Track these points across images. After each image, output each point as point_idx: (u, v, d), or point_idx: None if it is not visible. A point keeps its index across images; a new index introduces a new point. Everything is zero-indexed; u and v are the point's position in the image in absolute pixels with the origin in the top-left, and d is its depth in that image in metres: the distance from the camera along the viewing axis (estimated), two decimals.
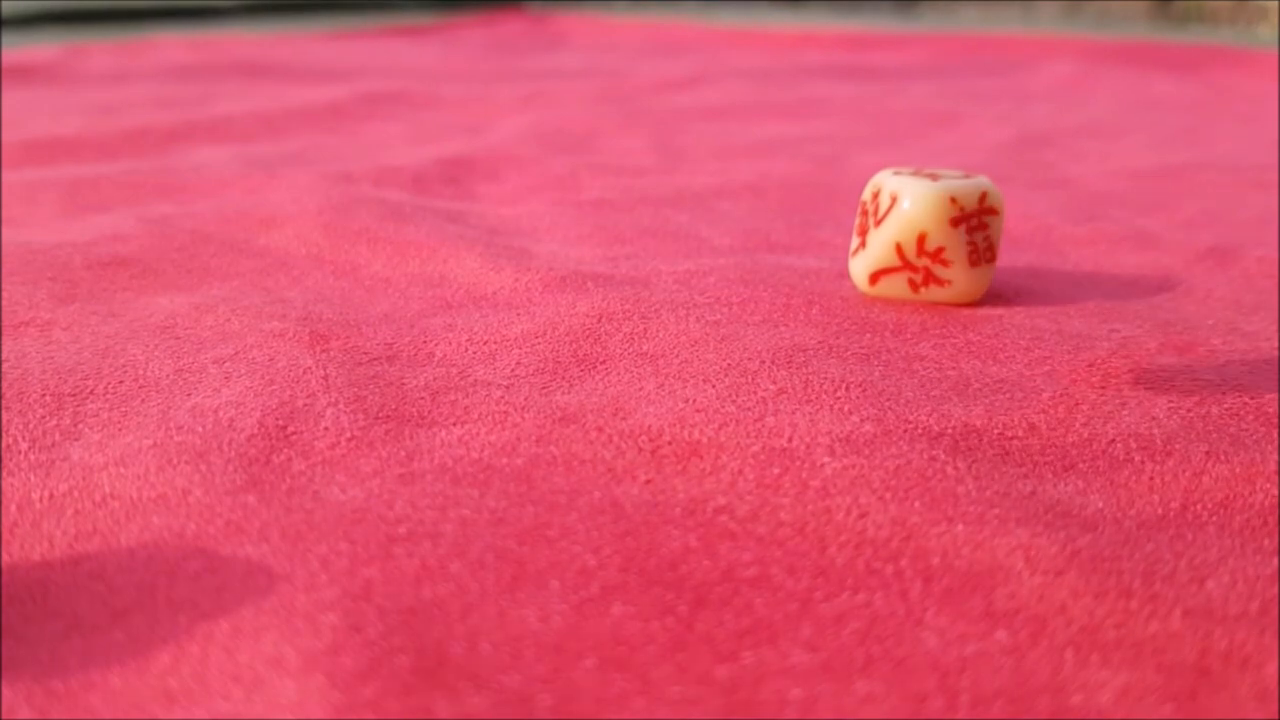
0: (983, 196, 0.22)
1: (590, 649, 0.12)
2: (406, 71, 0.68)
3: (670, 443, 0.17)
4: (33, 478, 0.16)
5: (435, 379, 0.19)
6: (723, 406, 0.18)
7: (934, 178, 0.23)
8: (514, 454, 0.16)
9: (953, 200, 0.22)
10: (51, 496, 0.15)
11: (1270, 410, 0.18)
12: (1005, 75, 0.73)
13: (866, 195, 0.24)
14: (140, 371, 0.20)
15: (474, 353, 0.20)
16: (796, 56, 0.82)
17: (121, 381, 0.19)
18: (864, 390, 0.18)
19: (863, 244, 0.23)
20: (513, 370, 0.19)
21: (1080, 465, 0.16)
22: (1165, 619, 0.12)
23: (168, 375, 0.19)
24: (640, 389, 0.18)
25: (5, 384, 0.19)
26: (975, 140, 0.47)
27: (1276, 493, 0.15)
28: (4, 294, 0.23)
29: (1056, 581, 0.13)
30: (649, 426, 0.17)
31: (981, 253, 0.23)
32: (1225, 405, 0.18)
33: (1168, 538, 0.14)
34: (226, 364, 0.20)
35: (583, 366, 0.20)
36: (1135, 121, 0.52)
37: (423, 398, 0.18)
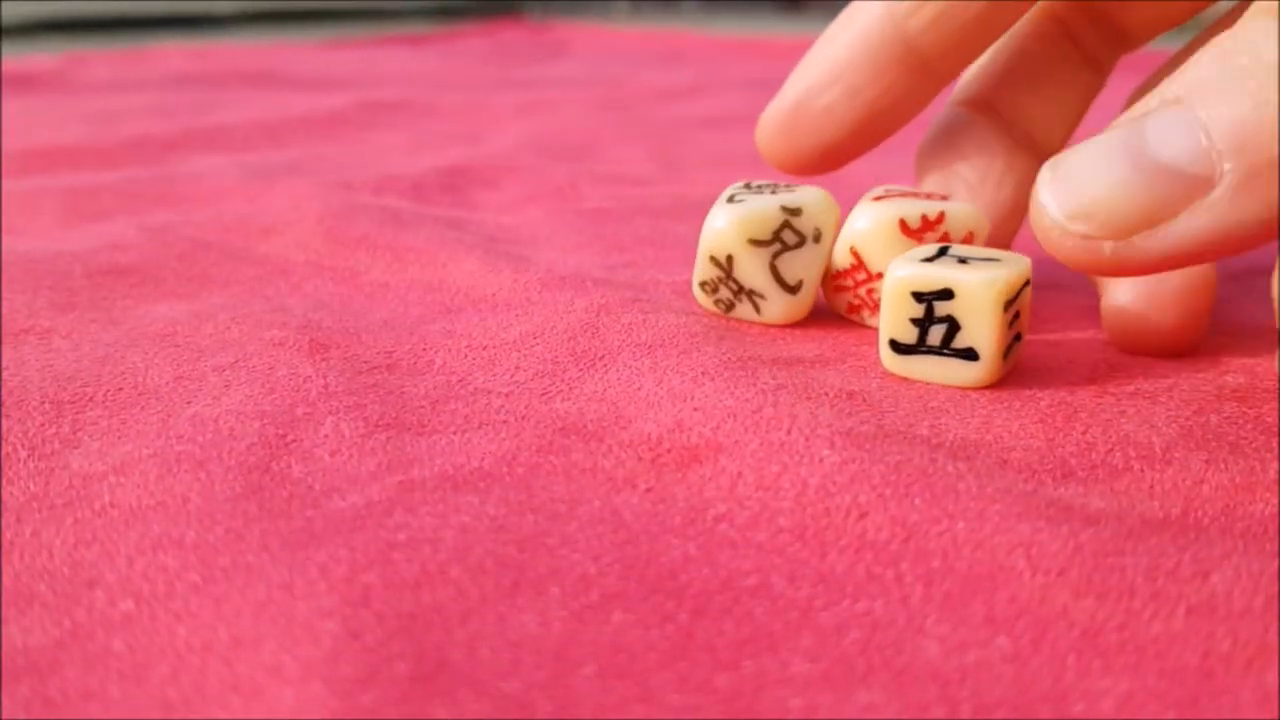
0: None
1: (591, 656, 0.12)
2: (406, 80, 0.68)
3: (670, 450, 0.17)
4: (32, 486, 0.16)
5: (435, 387, 0.19)
6: (721, 400, 0.17)
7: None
8: (514, 463, 0.16)
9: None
10: (51, 505, 0.15)
11: (1270, 419, 0.18)
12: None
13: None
14: (140, 379, 0.20)
15: (473, 359, 0.20)
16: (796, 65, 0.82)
17: (121, 389, 0.19)
18: (864, 398, 0.18)
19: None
20: (512, 376, 0.19)
21: (1080, 473, 0.16)
22: (1168, 619, 0.12)
23: (167, 383, 0.19)
24: (639, 388, 0.18)
25: (5, 391, 0.19)
26: None
27: (1277, 501, 0.15)
28: (4, 302, 0.23)
29: (1058, 581, 0.13)
30: (648, 434, 0.17)
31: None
32: (1224, 413, 0.18)
33: (1171, 534, 0.14)
34: (226, 372, 0.20)
35: (581, 366, 0.20)
36: None
37: (422, 406, 0.18)
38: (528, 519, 0.15)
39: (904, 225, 0.20)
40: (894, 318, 0.19)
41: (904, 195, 0.21)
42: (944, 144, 0.24)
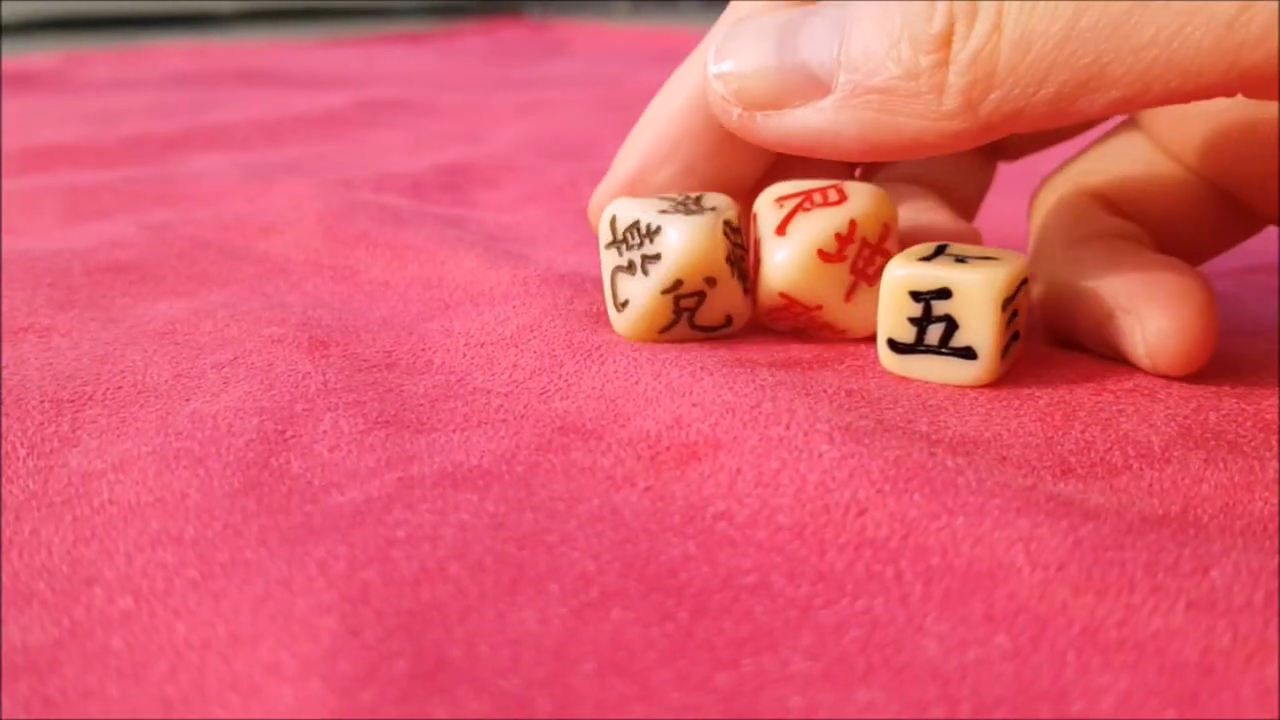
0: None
1: (590, 654, 0.12)
2: (405, 79, 0.68)
3: (668, 447, 0.17)
4: (31, 484, 0.16)
5: (434, 386, 0.19)
6: (720, 395, 0.17)
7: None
8: (513, 461, 0.16)
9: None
10: (50, 503, 0.15)
11: (1269, 417, 0.18)
12: None
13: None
14: (139, 377, 0.20)
15: (472, 357, 0.20)
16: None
17: (120, 388, 0.19)
18: (863, 396, 0.18)
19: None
20: (510, 375, 0.19)
21: (1079, 470, 0.16)
22: (1168, 614, 0.12)
23: (166, 381, 0.19)
24: (637, 383, 0.18)
25: (4, 390, 0.19)
26: None
27: (1277, 500, 0.15)
28: (3, 300, 0.23)
29: (1058, 577, 0.13)
30: (647, 431, 0.17)
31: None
32: (1223, 411, 0.18)
33: (1171, 529, 0.14)
34: (225, 369, 0.20)
35: (580, 363, 0.20)
36: None
37: (421, 404, 0.18)
38: (527, 517, 0.15)
39: (823, 255, 0.19)
40: (892, 317, 0.19)
41: (800, 205, 0.20)
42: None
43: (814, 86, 0.17)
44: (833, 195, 0.20)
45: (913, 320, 0.19)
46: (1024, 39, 0.15)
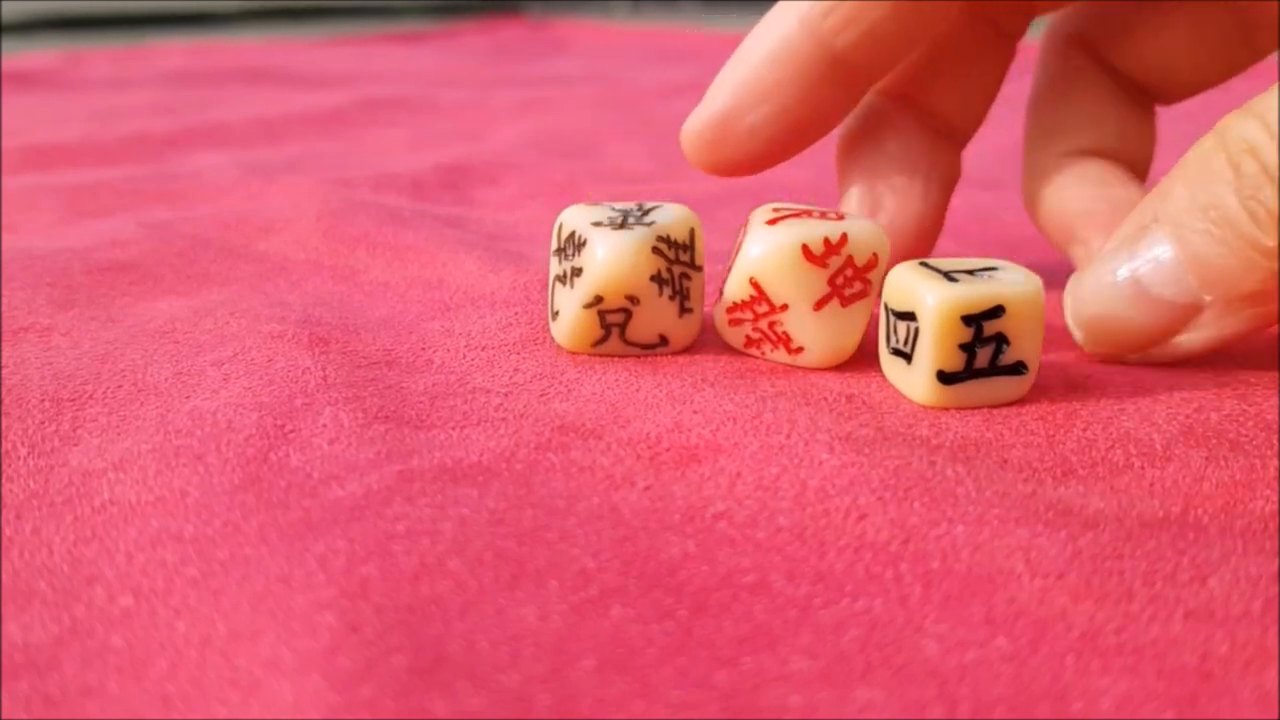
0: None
1: (589, 650, 0.12)
2: (405, 77, 0.68)
3: (668, 449, 0.17)
4: (32, 483, 0.16)
5: (434, 384, 0.19)
6: (721, 404, 0.17)
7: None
8: (512, 459, 0.16)
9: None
10: (50, 502, 0.15)
11: (1270, 416, 0.18)
12: (1009, 79, 0.73)
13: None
14: (139, 376, 0.20)
15: (472, 358, 0.20)
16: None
17: (120, 386, 0.19)
18: (864, 400, 0.18)
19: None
20: (511, 378, 0.19)
21: (1080, 470, 0.16)
22: (1166, 622, 0.12)
23: (166, 379, 0.19)
24: (638, 390, 0.18)
25: (5, 389, 0.19)
26: (975, 145, 0.47)
27: (1277, 499, 0.15)
28: (4, 299, 0.23)
29: (1057, 585, 0.13)
30: (647, 434, 0.17)
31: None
32: (1225, 410, 0.18)
33: (1170, 536, 0.14)
34: (225, 366, 0.20)
35: (580, 367, 0.20)
36: None
37: (421, 401, 0.18)
38: (526, 513, 0.15)
39: (807, 251, 0.19)
40: (942, 348, 0.18)
41: (797, 215, 0.19)
42: (867, 144, 0.24)
43: (1185, 313, 0.18)
44: (832, 215, 0.19)
45: (963, 346, 0.18)
46: None
